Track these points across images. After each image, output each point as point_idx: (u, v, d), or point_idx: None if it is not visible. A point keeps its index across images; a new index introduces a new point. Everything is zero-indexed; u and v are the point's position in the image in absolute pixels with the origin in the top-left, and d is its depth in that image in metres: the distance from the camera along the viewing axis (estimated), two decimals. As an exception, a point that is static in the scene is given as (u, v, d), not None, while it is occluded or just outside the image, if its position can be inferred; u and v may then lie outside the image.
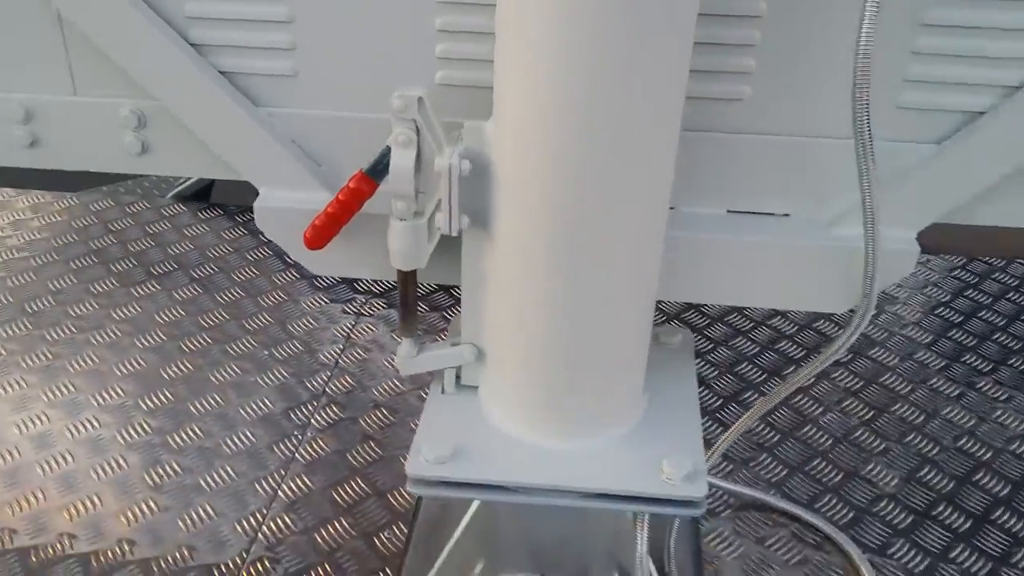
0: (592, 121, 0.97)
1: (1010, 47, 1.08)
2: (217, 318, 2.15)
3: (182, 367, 2.00)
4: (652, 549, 1.41)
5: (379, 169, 1.11)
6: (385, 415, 1.89)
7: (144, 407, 1.89)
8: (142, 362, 2.01)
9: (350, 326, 2.13)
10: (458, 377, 1.27)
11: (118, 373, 1.98)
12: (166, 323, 2.13)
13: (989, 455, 1.77)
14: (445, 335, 1.31)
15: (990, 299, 2.23)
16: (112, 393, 1.92)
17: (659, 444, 1.18)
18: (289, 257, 1.29)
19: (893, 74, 1.11)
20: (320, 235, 1.16)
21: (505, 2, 0.97)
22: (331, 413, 1.89)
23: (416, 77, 1.17)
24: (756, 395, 1.93)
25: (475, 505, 1.36)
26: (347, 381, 1.97)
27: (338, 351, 2.04)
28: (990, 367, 2.00)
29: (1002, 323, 2.16)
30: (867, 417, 1.84)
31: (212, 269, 2.33)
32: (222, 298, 2.22)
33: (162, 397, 1.92)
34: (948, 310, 2.20)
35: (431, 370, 1.26)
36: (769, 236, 1.21)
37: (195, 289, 2.25)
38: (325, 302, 2.21)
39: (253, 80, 1.20)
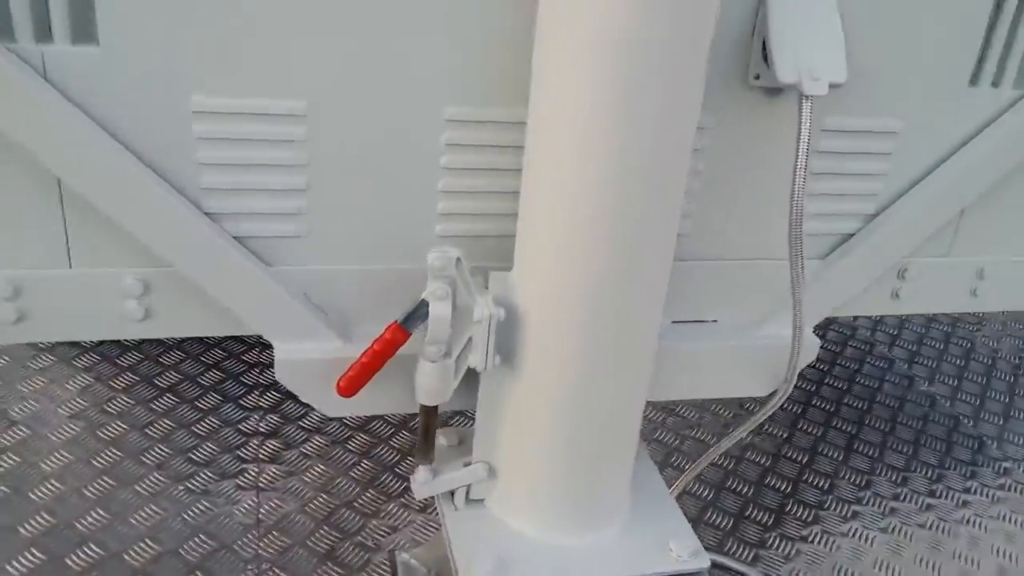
0: (614, 279, 1.18)
1: (866, 187, 1.46)
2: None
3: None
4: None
5: (413, 320, 1.23)
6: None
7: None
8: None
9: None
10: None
11: None
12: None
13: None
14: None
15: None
16: None
17: (656, 530, 1.39)
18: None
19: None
20: (353, 384, 1.25)
21: (533, 178, 1.16)
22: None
23: (418, 231, 1.31)
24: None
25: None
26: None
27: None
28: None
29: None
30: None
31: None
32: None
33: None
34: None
35: (445, 491, 1.37)
36: (706, 342, 1.48)
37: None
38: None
39: (264, 242, 1.26)
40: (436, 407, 1.31)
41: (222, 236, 1.22)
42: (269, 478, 1.99)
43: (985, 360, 2.78)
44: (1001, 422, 2.48)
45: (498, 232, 1.33)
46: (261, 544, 1.82)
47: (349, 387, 1.25)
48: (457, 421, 1.99)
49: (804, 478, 2.19)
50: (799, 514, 2.08)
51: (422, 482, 1.36)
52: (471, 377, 1.29)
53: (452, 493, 1.39)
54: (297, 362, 1.29)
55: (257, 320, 1.28)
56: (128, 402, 2.17)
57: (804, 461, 2.25)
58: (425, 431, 1.33)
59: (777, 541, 1.99)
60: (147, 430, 2.08)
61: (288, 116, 1.19)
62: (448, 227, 1.32)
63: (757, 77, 1.31)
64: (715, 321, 1.52)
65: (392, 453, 2.10)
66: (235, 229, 1.24)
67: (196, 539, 1.81)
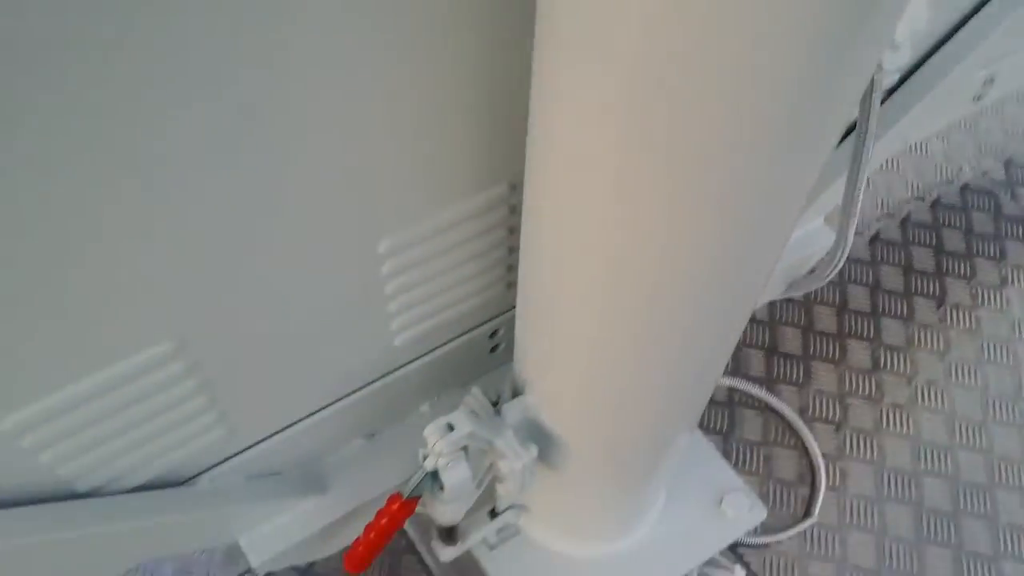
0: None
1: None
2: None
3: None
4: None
5: (419, 487, 0.92)
6: None
7: None
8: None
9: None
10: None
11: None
12: None
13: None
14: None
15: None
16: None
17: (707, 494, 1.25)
18: None
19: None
20: (364, 562, 0.97)
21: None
22: None
23: (371, 356, 0.92)
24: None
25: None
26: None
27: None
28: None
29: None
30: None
31: None
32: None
33: None
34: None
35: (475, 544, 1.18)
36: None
37: None
38: None
39: (180, 455, 0.86)
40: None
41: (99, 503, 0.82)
42: None
43: None
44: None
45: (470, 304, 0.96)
46: None
47: (359, 566, 0.98)
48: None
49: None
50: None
51: (452, 551, 1.16)
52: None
53: (481, 533, 1.20)
54: (279, 554, 0.98)
55: (205, 539, 0.93)
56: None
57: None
58: (447, 533, 1.09)
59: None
60: None
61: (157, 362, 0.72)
62: (408, 334, 0.93)
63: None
64: None
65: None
66: (131, 482, 0.83)
67: None
